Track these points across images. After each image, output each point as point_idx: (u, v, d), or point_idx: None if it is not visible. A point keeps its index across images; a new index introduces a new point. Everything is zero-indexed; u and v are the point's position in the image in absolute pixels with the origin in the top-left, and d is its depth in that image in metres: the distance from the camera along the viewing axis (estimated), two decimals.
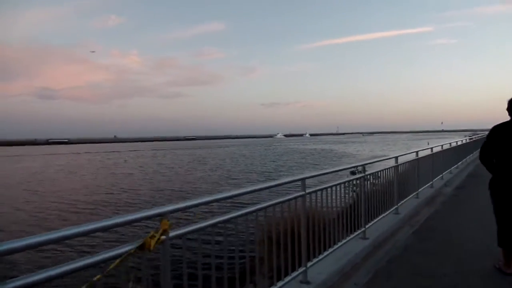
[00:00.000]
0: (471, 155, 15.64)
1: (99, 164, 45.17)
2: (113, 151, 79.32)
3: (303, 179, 3.28)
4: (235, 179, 26.39)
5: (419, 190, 7.14)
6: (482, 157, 3.60)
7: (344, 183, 4.09)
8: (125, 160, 49.58)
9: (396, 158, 5.85)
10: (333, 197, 3.84)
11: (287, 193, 3.22)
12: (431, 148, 8.27)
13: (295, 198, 3.19)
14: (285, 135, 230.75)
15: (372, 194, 4.91)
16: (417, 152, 7.01)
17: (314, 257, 3.51)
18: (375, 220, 4.93)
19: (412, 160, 6.82)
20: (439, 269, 3.76)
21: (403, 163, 6.18)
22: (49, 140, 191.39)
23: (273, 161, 42.95)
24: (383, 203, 5.25)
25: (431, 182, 8.18)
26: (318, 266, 3.52)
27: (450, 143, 10.82)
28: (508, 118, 3.40)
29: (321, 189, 3.59)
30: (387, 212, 5.41)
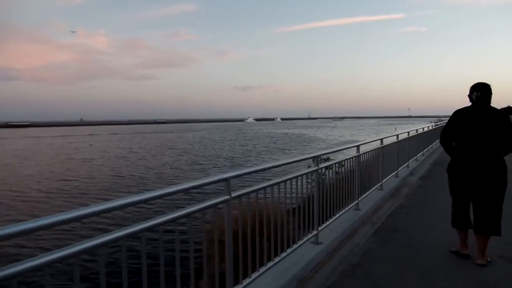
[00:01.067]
0: (436, 141, 15.50)
1: (59, 149, 42.78)
2: (78, 135, 76.11)
3: (226, 179, 2.48)
4: (201, 164, 25.54)
5: (383, 181, 6.56)
6: (442, 140, 3.72)
7: (291, 179, 3.33)
8: (90, 144, 47.66)
9: (358, 147, 5.17)
10: (281, 195, 3.11)
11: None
12: (397, 135, 7.70)
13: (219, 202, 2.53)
14: (256, 119, 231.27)
15: (329, 189, 4.22)
16: (381, 139, 6.39)
17: (246, 277, 2.74)
18: (330, 220, 4.24)
19: (377, 148, 6.19)
20: (400, 282, 3.12)
21: (366, 152, 5.55)
22: (9, 123, 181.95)
23: (243, 145, 42.26)
24: (341, 199, 4.57)
25: (396, 171, 7.65)
26: (257, 284, 2.78)
27: (416, 130, 10.39)
28: (469, 104, 3.54)
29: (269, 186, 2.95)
30: (346, 209, 4.75)
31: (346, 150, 5.07)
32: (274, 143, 45.46)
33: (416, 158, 10.29)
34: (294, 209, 3.49)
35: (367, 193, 5.65)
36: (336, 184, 4.41)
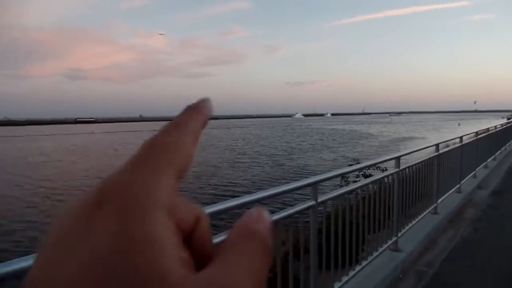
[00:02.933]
0: (511, 141, 12.82)
1: (112, 143, 44.51)
2: (135, 130, 79.47)
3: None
4: (240, 162, 24.54)
5: (439, 201, 4.80)
6: None
7: (374, 182, 3.07)
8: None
9: (398, 159, 3.54)
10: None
11: None
12: (461, 138, 5.81)
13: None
14: (305, 115, 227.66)
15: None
16: (437, 145, 4.63)
17: None
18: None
19: (430, 157, 4.46)
20: None
21: (411, 165, 3.89)
22: (77, 119, 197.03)
23: (288, 142, 40.75)
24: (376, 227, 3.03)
25: (458, 185, 5.78)
26: None
27: (487, 129, 8.22)
28: None
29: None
30: (378, 252, 3.18)
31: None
32: (321, 139, 43.37)
33: (486, 164, 8.16)
34: (374, 213, 3.20)
35: (411, 224, 3.96)
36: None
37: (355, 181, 3.80)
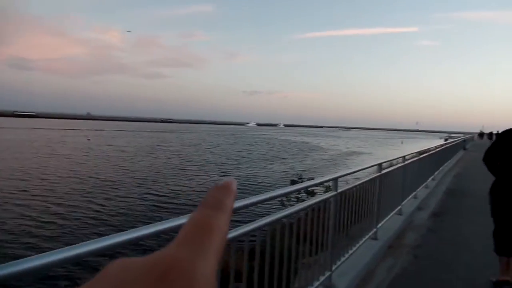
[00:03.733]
0: (447, 163, 13.31)
1: (50, 141, 41.20)
2: (78, 129, 75.14)
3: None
4: (186, 169, 23.55)
5: (380, 225, 4.45)
6: (487, 159, 3.54)
7: None
8: (88, 139, 47.68)
9: (336, 180, 3.08)
10: None
11: None
12: (403, 157, 5.58)
13: None
14: (258, 124, 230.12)
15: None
16: (380, 164, 4.27)
17: None
18: None
19: (371, 177, 4.08)
20: None
21: (355, 186, 3.49)
22: (15, 112, 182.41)
23: (238, 151, 40.26)
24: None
25: (399, 207, 5.53)
26: None
27: (429, 149, 8.23)
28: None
29: None
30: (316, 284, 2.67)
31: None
32: (272, 150, 43.52)
33: (427, 184, 8.17)
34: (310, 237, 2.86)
35: (349, 254, 3.52)
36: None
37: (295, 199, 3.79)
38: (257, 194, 1.92)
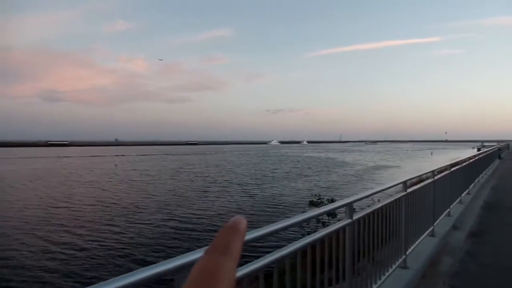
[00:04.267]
0: (484, 173, 12.37)
1: (79, 168, 42.37)
2: (107, 155, 77.31)
3: None
4: (209, 191, 23.32)
5: (410, 250, 3.92)
6: None
7: None
8: (116, 165, 49.12)
9: (350, 205, 2.66)
10: None
11: None
12: (433, 172, 5.04)
13: None
14: (281, 142, 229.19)
15: None
16: (405, 182, 3.79)
17: None
18: None
19: (395, 198, 3.60)
20: None
21: (375, 210, 3.06)
22: (48, 142, 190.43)
23: (262, 170, 39.82)
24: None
25: (431, 228, 4.96)
26: None
27: (461, 161, 7.57)
28: None
29: None
30: None
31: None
32: (296, 167, 42.94)
33: (461, 199, 7.47)
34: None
35: (377, 285, 3.03)
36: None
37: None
38: (268, 225, 1.77)
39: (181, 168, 43.51)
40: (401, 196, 3.72)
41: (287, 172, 36.24)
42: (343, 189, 23.10)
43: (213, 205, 18.60)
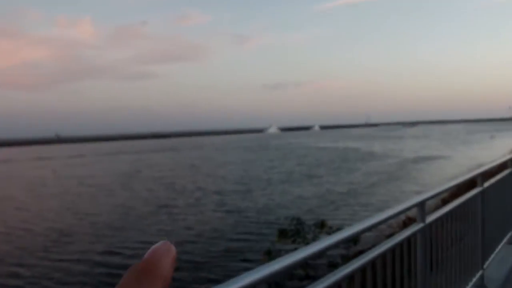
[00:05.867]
0: None
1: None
2: (45, 157, 76.68)
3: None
4: (173, 206, 22.48)
5: (487, 263, 4.26)
6: None
7: None
8: (55, 171, 48.36)
9: (422, 204, 2.96)
10: None
11: None
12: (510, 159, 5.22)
13: None
14: (282, 129, 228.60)
15: None
16: (482, 174, 4.12)
17: None
18: None
19: (470, 197, 3.90)
20: None
21: (450, 210, 3.48)
22: None
23: (253, 170, 39.11)
24: None
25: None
26: None
27: None
28: None
29: None
30: None
31: None
32: (302, 164, 42.82)
33: None
34: None
35: None
36: None
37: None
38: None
39: (139, 172, 43.18)
40: (477, 194, 3.99)
41: (289, 172, 36.12)
42: (367, 196, 22.81)
43: (172, 227, 18.37)
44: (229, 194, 25.94)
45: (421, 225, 2.85)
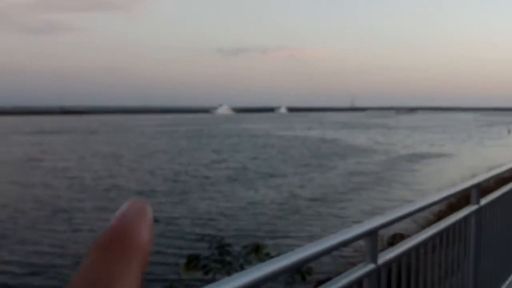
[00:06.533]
0: None
1: None
2: None
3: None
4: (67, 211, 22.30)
5: None
6: None
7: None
8: None
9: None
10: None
11: None
12: None
13: None
14: (235, 110, 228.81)
15: None
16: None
17: None
18: None
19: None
20: None
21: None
22: None
23: (193, 164, 39.37)
24: None
25: None
26: None
27: None
28: None
29: None
30: None
31: None
32: (261, 157, 43.36)
33: None
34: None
35: None
36: None
37: None
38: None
39: (38, 160, 42.48)
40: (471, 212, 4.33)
41: (241, 169, 36.49)
42: (343, 203, 23.12)
43: (69, 241, 18.18)
44: (156, 196, 26.22)
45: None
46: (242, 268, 7.69)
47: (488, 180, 4.82)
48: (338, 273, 2.76)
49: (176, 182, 30.65)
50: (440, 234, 3.70)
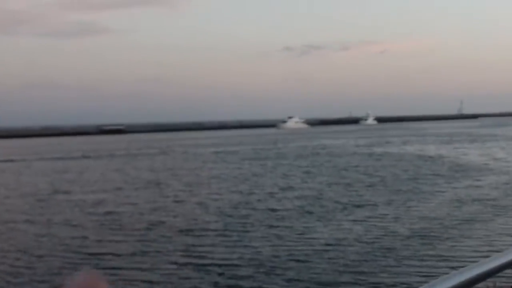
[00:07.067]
0: None
1: None
2: None
3: None
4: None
5: None
6: None
7: None
8: None
9: None
10: None
11: None
12: None
13: None
14: (308, 122, 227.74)
15: None
16: None
17: None
18: None
19: None
20: None
21: None
22: None
23: (256, 193, 39.03)
24: None
25: None
26: None
27: None
28: None
29: None
30: None
31: None
32: (343, 181, 42.30)
33: None
34: None
35: None
36: None
37: None
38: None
39: (58, 191, 43.78)
40: None
41: (317, 197, 36.25)
42: (453, 242, 22.48)
43: None
44: (208, 235, 26.44)
45: None
46: None
47: None
48: None
49: (234, 217, 30.51)
50: None
